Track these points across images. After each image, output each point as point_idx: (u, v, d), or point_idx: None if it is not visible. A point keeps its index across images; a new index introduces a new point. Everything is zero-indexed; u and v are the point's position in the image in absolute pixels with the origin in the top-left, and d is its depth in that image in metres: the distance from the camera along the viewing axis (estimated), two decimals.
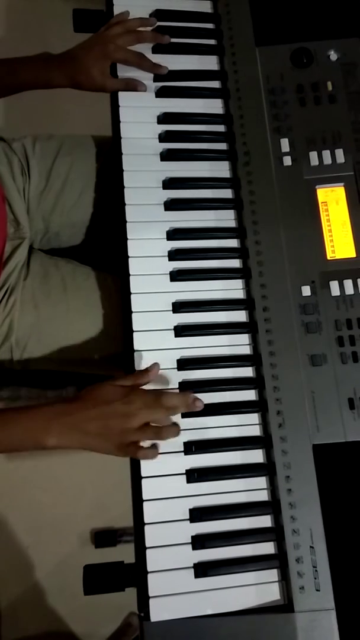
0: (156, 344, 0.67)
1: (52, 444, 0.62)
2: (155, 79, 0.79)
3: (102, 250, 0.89)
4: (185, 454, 0.63)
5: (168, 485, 0.62)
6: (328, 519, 0.60)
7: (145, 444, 0.62)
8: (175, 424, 0.63)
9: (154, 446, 0.62)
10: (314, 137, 0.75)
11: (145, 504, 0.61)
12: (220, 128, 0.77)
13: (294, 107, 0.76)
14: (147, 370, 0.64)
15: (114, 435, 0.61)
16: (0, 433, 0.63)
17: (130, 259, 0.70)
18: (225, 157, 0.76)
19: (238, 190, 0.74)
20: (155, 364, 0.65)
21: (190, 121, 0.77)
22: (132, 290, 0.68)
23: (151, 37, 0.79)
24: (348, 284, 0.69)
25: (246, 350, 0.68)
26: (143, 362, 0.66)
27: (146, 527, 0.60)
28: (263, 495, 0.63)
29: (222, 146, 0.76)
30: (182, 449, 0.63)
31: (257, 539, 0.61)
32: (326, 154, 0.74)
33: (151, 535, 0.60)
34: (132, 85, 0.77)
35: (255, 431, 0.65)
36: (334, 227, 0.71)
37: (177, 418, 0.64)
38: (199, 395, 0.65)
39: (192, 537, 0.60)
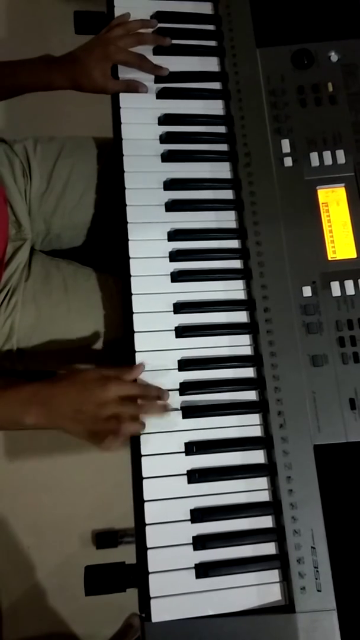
0: (157, 344, 0.67)
1: (31, 422, 0.63)
2: (156, 81, 0.79)
3: (104, 251, 0.89)
4: (186, 454, 0.63)
5: (169, 485, 0.62)
6: (329, 519, 0.60)
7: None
8: (142, 422, 0.63)
9: (117, 438, 0.62)
10: (314, 138, 0.75)
11: (146, 505, 0.61)
12: (221, 129, 0.77)
13: (295, 108, 0.76)
14: (131, 367, 0.65)
15: (86, 421, 0.62)
16: None
17: (131, 260, 0.70)
18: (226, 158, 0.76)
19: (239, 191, 0.74)
20: (141, 364, 0.65)
21: (191, 122, 0.77)
22: (133, 291, 0.68)
23: (152, 39, 0.79)
24: (349, 285, 0.69)
25: (247, 350, 0.68)
26: (145, 363, 0.66)
27: (147, 528, 0.60)
28: (264, 496, 0.63)
29: (223, 147, 0.77)
30: (183, 450, 0.63)
31: (258, 540, 0.61)
32: (327, 155, 0.74)
33: (152, 536, 0.60)
34: (133, 87, 0.77)
35: (256, 432, 0.65)
36: (335, 228, 0.72)
37: (178, 419, 0.64)
38: (200, 396, 0.65)
39: (193, 537, 0.60)
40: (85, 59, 0.77)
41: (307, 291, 0.68)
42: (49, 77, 0.79)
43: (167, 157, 0.75)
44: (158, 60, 0.79)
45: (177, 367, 0.66)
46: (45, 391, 0.64)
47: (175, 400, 0.65)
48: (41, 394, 0.64)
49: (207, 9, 0.84)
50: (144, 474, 0.62)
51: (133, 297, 0.68)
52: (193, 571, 0.59)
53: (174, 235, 0.71)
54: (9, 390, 0.65)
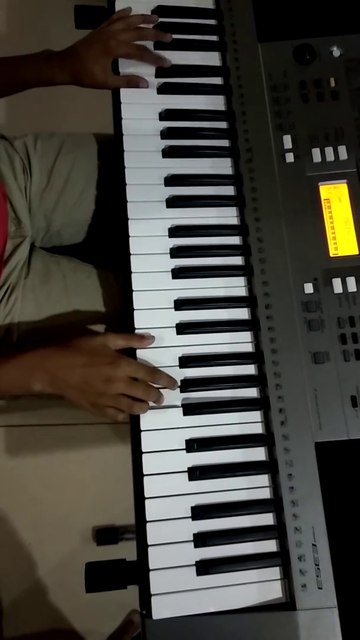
0: (158, 341, 0.67)
1: (37, 388, 0.64)
2: (157, 76, 0.78)
3: (104, 248, 0.89)
4: (187, 451, 0.63)
5: (170, 482, 0.62)
6: (330, 516, 0.60)
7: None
8: (147, 403, 0.63)
9: (119, 415, 0.64)
10: (316, 133, 0.74)
11: (147, 502, 0.61)
12: (223, 125, 0.77)
13: (297, 104, 0.76)
14: (143, 337, 0.65)
15: (91, 394, 0.63)
16: None
17: (132, 257, 0.70)
18: (227, 154, 0.76)
19: (240, 188, 0.73)
20: (151, 337, 0.66)
21: (192, 118, 0.77)
22: (133, 288, 0.68)
23: (153, 34, 0.79)
24: (351, 281, 0.69)
25: (248, 347, 0.68)
26: (145, 360, 0.66)
27: (148, 525, 0.60)
28: (265, 493, 0.63)
29: (224, 143, 0.76)
30: (184, 447, 0.63)
31: (259, 537, 0.61)
32: (329, 151, 0.73)
33: (153, 533, 0.60)
34: (134, 82, 0.77)
35: (258, 429, 0.65)
36: (337, 224, 0.71)
37: (178, 416, 0.64)
38: (201, 393, 0.65)
39: (194, 534, 0.60)
40: (85, 54, 0.77)
41: (308, 288, 0.68)
42: (49, 72, 0.78)
43: (168, 152, 0.74)
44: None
45: (178, 364, 0.66)
46: (53, 358, 0.64)
47: (176, 397, 0.65)
48: (49, 360, 0.64)
49: (208, 3, 0.83)
50: (145, 471, 0.62)
51: (134, 293, 0.68)
52: (194, 568, 0.59)
53: (174, 232, 0.71)
54: (17, 355, 0.65)
